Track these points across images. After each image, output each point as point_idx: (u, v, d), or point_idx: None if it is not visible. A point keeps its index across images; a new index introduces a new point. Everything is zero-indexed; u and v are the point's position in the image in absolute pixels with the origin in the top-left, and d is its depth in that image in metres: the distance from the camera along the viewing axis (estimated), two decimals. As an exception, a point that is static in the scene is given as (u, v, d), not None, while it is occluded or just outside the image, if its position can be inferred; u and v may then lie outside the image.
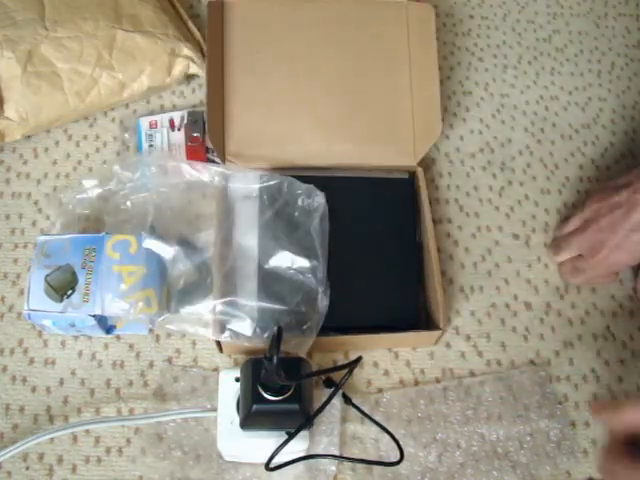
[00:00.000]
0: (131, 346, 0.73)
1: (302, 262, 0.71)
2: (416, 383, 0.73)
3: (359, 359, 0.58)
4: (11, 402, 0.69)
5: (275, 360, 0.54)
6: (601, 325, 0.78)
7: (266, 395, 0.58)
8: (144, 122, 0.84)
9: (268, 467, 0.58)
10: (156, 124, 0.84)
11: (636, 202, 0.68)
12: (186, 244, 0.73)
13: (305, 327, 0.68)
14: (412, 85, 0.82)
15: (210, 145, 0.82)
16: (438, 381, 0.73)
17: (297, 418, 0.58)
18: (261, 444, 0.60)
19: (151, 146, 0.83)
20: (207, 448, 0.67)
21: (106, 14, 0.82)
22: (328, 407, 0.60)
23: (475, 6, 1.01)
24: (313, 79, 0.80)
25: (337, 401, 0.69)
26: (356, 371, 0.58)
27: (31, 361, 0.71)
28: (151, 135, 0.83)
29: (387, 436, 0.65)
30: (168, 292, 0.71)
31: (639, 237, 0.69)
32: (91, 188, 0.75)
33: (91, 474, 0.66)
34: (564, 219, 0.81)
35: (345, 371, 0.59)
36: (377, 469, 0.67)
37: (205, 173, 0.75)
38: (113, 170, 0.75)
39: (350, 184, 0.78)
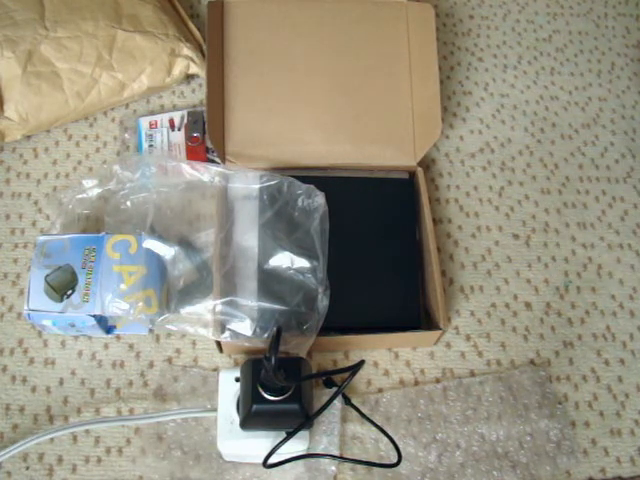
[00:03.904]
0: (131, 346, 0.73)
1: (302, 262, 0.71)
2: (416, 383, 0.73)
3: (362, 363, 0.58)
4: (11, 402, 0.69)
5: (273, 361, 0.53)
6: (601, 325, 0.78)
7: (266, 395, 0.58)
8: (144, 122, 0.84)
9: (266, 464, 0.58)
10: (156, 124, 0.84)
11: None
12: (186, 244, 0.73)
13: (305, 327, 0.68)
14: (412, 85, 0.82)
15: (210, 145, 0.82)
16: (438, 381, 0.73)
17: (297, 418, 0.58)
18: (261, 444, 0.60)
19: (151, 146, 0.83)
20: (207, 448, 0.67)
21: (106, 14, 0.82)
22: (328, 407, 0.60)
23: (475, 6, 1.01)
24: (313, 79, 0.80)
25: (337, 401, 0.69)
26: (356, 371, 0.58)
27: (31, 361, 0.71)
28: (151, 135, 0.83)
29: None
30: (168, 292, 0.71)
31: None
32: (91, 188, 0.75)
33: (91, 474, 0.66)
34: None
35: (347, 374, 0.59)
36: (377, 469, 0.67)
37: (205, 173, 0.75)
38: (113, 170, 0.75)
39: (350, 184, 0.78)
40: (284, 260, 0.71)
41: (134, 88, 0.84)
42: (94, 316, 0.67)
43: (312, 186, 0.74)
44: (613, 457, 0.71)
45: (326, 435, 0.67)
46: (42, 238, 0.70)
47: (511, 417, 0.71)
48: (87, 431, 0.68)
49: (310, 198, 0.73)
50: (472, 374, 0.74)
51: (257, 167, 0.77)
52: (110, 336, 0.73)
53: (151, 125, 0.84)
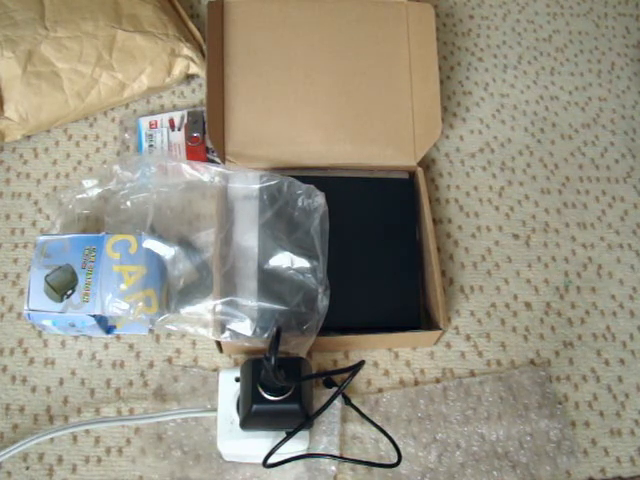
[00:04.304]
0: (131, 346, 0.73)
1: (302, 262, 0.71)
2: (416, 383, 0.73)
3: (362, 363, 0.58)
4: (11, 402, 0.69)
5: (273, 361, 0.53)
6: (601, 325, 0.78)
7: (266, 395, 0.58)
8: (144, 122, 0.84)
9: (266, 464, 0.58)
10: (156, 124, 0.84)
11: None
12: (186, 244, 0.73)
13: (305, 327, 0.68)
14: (412, 85, 0.82)
15: (210, 145, 0.82)
16: (438, 381, 0.73)
17: (297, 418, 0.58)
18: (261, 444, 0.60)
19: (151, 146, 0.83)
20: (207, 448, 0.67)
21: (106, 14, 0.82)
22: (328, 407, 0.60)
23: (475, 6, 1.01)
24: (313, 79, 0.80)
25: (337, 401, 0.69)
26: (356, 371, 0.58)
27: (31, 361, 0.71)
28: (151, 135, 0.83)
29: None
30: (168, 292, 0.71)
31: None
32: (91, 188, 0.75)
33: (91, 474, 0.66)
34: None
35: (347, 374, 0.59)
36: (377, 469, 0.67)
37: (205, 173, 0.75)
38: (113, 170, 0.75)
39: (350, 184, 0.78)
40: (284, 260, 0.71)
41: (134, 88, 0.84)
42: (94, 316, 0.67)
43: (312, 186, 0.74)
44: (613, 457, 0.71)
45: (326, 435, 0.67)
46: (42, 238, 0.70)
47: (511, 417, 0.71)
48: (87, 431, 0.68)
49: (310, 198, 0.73)
50: (472, 374, 0.74)
51: (257, 167, 0.77)
52: (110, 336, 0.73)
53: (151, 125, 0.84)
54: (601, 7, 1.03)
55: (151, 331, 0.73)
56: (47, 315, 0.67)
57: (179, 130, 0.84)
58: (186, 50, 0.85)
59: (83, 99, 0.81)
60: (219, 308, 0.68)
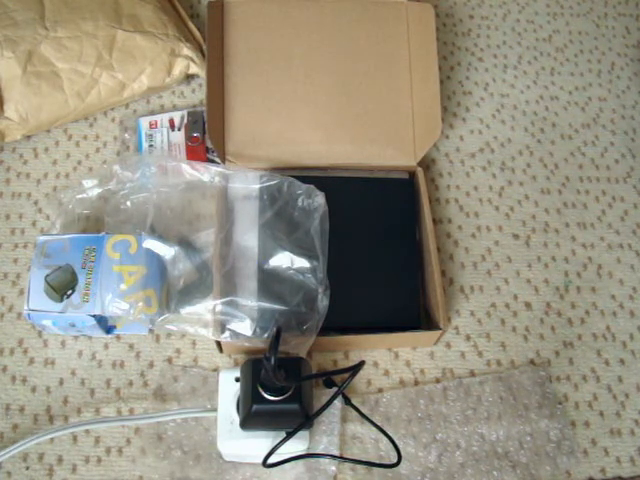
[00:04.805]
0: (131, 346, 0.73)
1: (302, 262, 0.71)
2: (416, 383, 0.73)
3: (362, 364, 0.58)
4: (11, 402, 0.69)
5: (273, 361, 0.53)
6: (601, 325, 0.78)
7: (266, 395, 0.58)
8: (144, 122, 0.84)
9: (266, 464, 0.58)
10: (156, 124, 0.84)
11: None
12: (186, 244, 0.73)
13: (305, 327, 0.68)
14: (412, 85, 0.82)
15: (210, 145, 0.82)
16: (438, 381, 0.73)
17: (297, 418, 0.58)
18: (261, 444, 0.60)
19: (151, 146, 0.83)
20: (207, 448, 0.67)
21: (106, 14, 0.82)
22: (328, 407, 0.60)
23: (475, 6, 1.01)
24: (313, 79, 0.80)
25: (337, 401, 0.69)
26: (356, 371, 0.58)
27: (31, 361, 0.71)
28: (151, 135, 0.83)
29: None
30: (168, 292, 0.71)
31: None
32: (91, 188, 0.75)
33: (91, 474, 0.66)
34: None
35: (347, 374, 0.59)
36: (377, 469, 0.67)
37: (205, 173, 0.75)
38: (113, 170, 0.75)
39: (350, 184, 0.78)
40: (284, 260, 0.71)
41: (134, 88, 0.84)
42: (94, 316, 0.67)
43: (312, 186, 0.74)
44: (613, 457, 0.71)
45: (326, 435, 0.67)
46: (42, 238, 0.70)
47: (511, 417, 0.71)
48: (87, 431, 0.68)
49: (310, 198, 0.73)
50: (472, 374, 0.74)
51: (257, 167, 0.77)
52: (110, 336, 0.73)
53: (151, 125, 0.84)
54: (601, 7, 1.03)
55: (151, 331, 0.73)
56: (47, 315, 0.67)
57: (179, 130, 0.84)
58: (186, 50, 0.85)
59: (83, 99, 0.81)
60: (219, 308, 0.68)
